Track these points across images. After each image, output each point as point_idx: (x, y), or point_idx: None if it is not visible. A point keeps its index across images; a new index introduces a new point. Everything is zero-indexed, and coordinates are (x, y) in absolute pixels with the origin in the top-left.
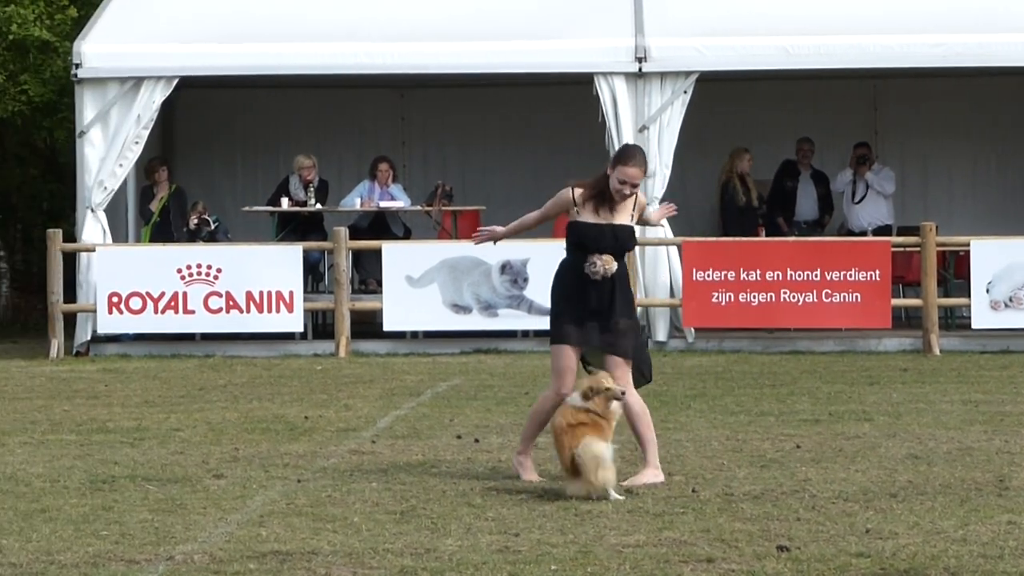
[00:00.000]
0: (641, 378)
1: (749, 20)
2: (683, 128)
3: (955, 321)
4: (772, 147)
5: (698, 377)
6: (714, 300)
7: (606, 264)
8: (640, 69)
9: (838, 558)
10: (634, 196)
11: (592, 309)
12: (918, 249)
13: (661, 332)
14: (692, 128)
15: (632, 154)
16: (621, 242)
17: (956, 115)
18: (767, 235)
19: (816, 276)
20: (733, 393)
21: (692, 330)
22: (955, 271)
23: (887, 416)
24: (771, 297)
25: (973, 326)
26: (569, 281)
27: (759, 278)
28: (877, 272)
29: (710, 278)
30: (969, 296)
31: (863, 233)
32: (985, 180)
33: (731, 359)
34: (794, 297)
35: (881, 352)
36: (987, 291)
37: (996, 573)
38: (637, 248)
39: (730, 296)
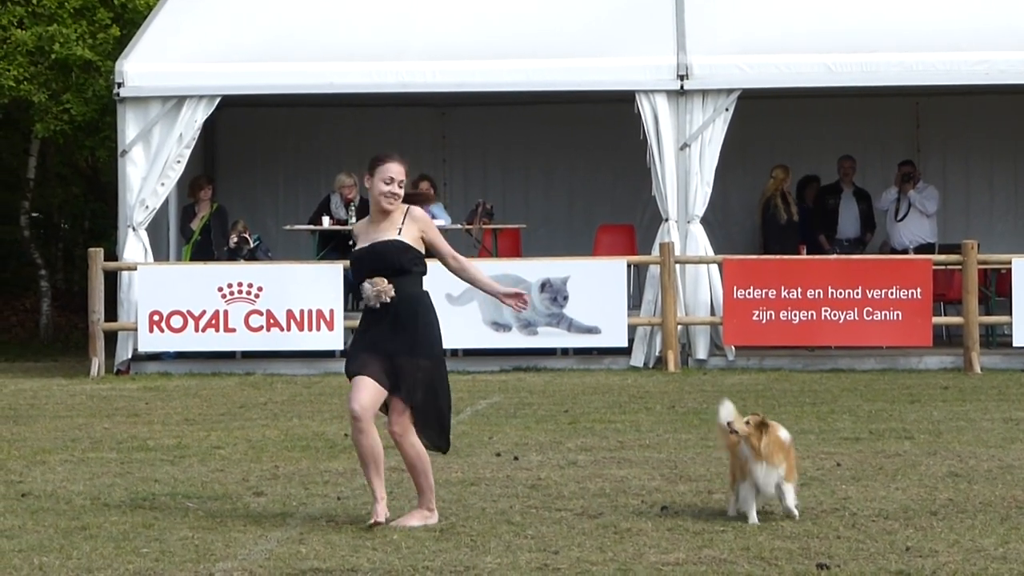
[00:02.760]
0: (431, 442)
1: (791, 37)
2: (724, 145)
3: (996, 339)
4: (814, 164)
5: (739, 395)
6: (755, 318)
7: (377, 286)
8: (682, 87)
9: (877, 575)
10: (403, 212)
11: (374, 341)
12: (960, 267)
13: (702, 350)
14: (734, 145)
15: (384, 154)
16: (383, 258)
17: (998, 132)
18: (808, 253)
19: (857, 294)
20: (774, 411)
21: (733, 348)
22: (996, 289)
23: (927, 434)
24: (812, 315)
25: (1014, 344)
26: (363, 314)
27: (800, 296)
28: (919, 290)
29: (751, 296)
30: (1011, 314)
31: (905, 251)
32: None
33: (772, 377)
34: (835, 315)
35: (922, 370)
36: None
37: None
38: (678, 266)
39: (771, 314)
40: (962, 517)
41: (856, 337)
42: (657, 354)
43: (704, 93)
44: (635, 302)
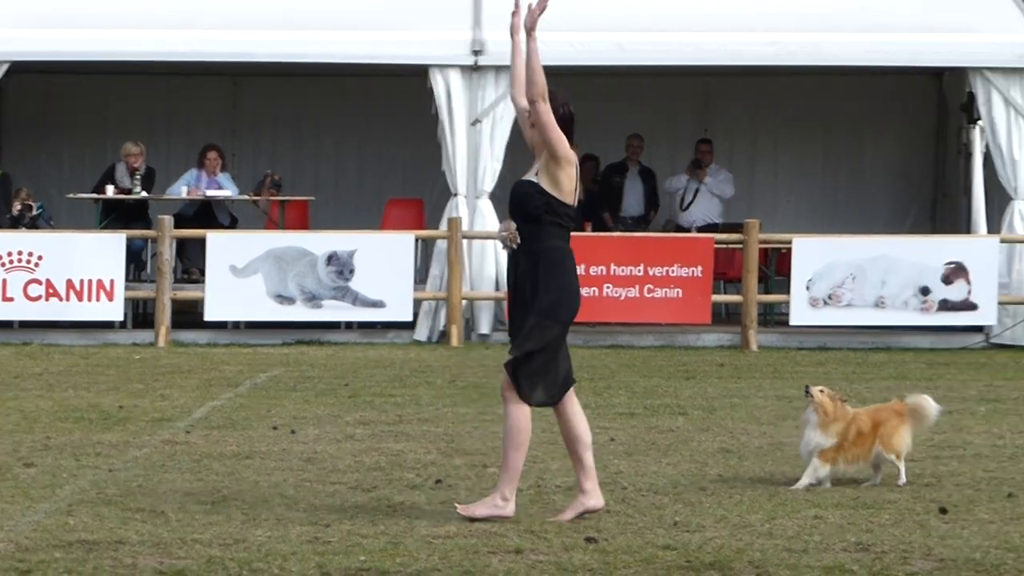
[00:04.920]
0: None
1: (585, 16)
2: (516, 122)
3: (774, 318)
4: (603, 142)
5: None
6: None
7: (505, 230)
8: (476, 62)
9: (645, 550)
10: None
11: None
12: (741, 246)
13: (485, 325)
14: None
15: None
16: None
17: (786, 114)
18: (592, 230)
19: (639, 271)
20: None
21: None
22: (776, 268)
23: (701, 410)
24: (594, 292)
25: (791, 323)
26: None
27: (583, 272)
28: (699, 268)
29: None
30: (789, 293)
31: (690, 230)
32: (811, 179)
33: None
34: (617, 292)
35: (700, 347)
36: (807, 288)
37: (800, 567)
38: (465, 242)
39: None
40: (731, 493)
41: (637, 314)
42: (441, 329)
43: (497, 69)
44: (421, 276)
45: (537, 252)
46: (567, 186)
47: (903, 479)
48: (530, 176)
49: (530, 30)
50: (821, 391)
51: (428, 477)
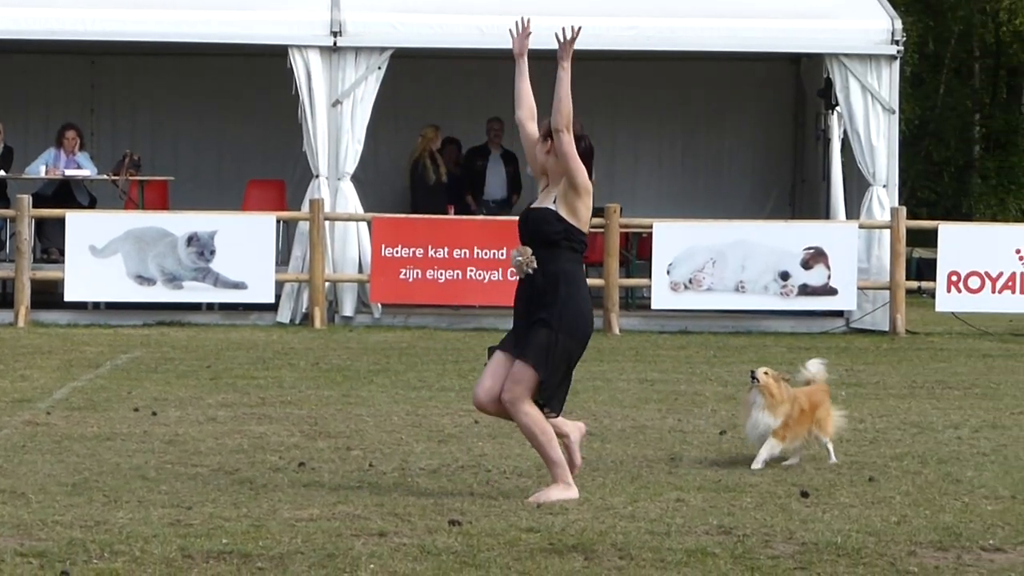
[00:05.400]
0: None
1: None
2: (377, 104)
3: (635, 301)
4: (464, 125)
5: (383, 352)
6: (402, 276)
7: (521, 255)
8: (335, 43)
9: (508, 532)
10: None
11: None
12: (602, 230)
13: (348, 307)
14: (385, 104)
15: None
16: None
17: (646, 99)
18: (456, 213)
19: (502, 254)
20: (416, 369)
21: (379, 306)
22: (637, 252)
23: None
24: (458, 274)
25: (653, 307)
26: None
27: (447, 255)
28: None
29: (399, 254)
30: (650, 277)
31: None
32: (671, 164)
33: (416, 335)
34: (480, 275)
35: None
36: (668, 273)
37: (662, 549)
38: (327, 223)
39: (418, 273)
40: (594, 476)
41: (500, 297)
42: (304, 311)
43: (357, 50)
44: (283, 258)
45: (556, 273)
46: (584, 215)
47: (834, 458)
48: (547, 204)
49: (519, 55)
50: (765, 373)
51: (291, 460)
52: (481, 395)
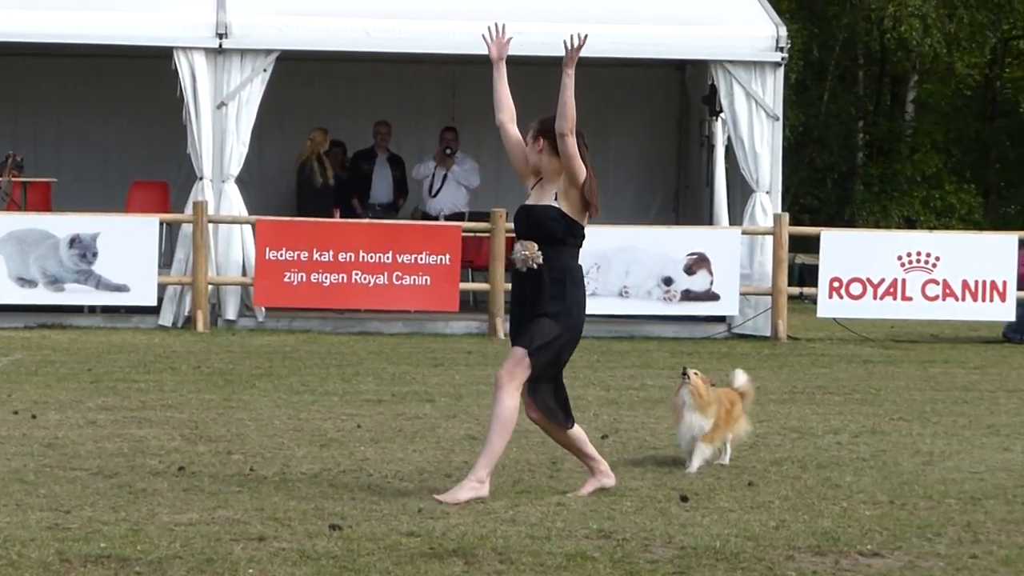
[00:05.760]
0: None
1: (332, 1)
2: (262, 106)
3: None
4: (351, 128)
5: (266, 356)
6: (286, 280)
7: (527, 250)
8: (220, 45)
9: (389, 537)
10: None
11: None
12: (488, 235)
13: (232, 311)
14: (271, 106)
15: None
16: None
17: (531, 103)
18: (341, 216)
19: (388, 259)
20: (299, 373)
21: (263, 309)
22: None
23: (448, 397)
24: (343, 278)
25: None
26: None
27: (332, 259)
28: (447, 256)
29: (283, 257)
30: None
31: (437, 218)
32: None
33: (300, 339)
34: (365, 279)
35: (448, 335)
36: None
37: (542, 553)
38: (211, 226)
39: (302, 276)
40: None
41: (385, 301)
42: (186, 314)
43: (242, 52)
44: (166, 260)
45: (562, 270)
46: (583, 209)
47: (727, 460)
48: (547, 201)
49: (498, 59)
50: (695, 374)
51: (171, 464)
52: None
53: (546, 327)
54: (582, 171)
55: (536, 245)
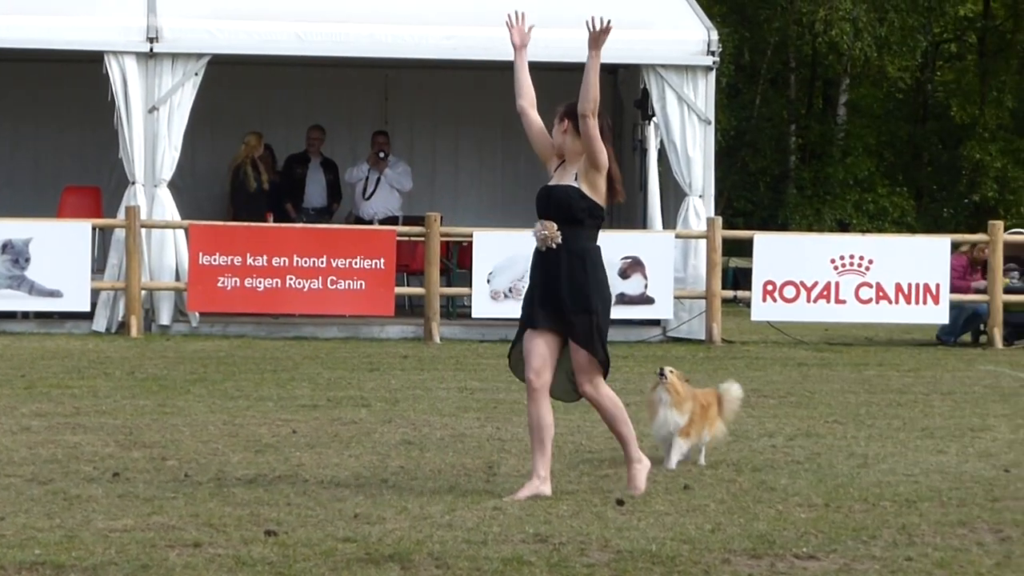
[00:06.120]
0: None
1: (264, 4)
2: (195, 110)
3: (456, 310)
4: (284, 133)
5: (200, 362)
6: (220, 284)
7: (547, 229)
8: (151, 49)
9: (325, 543)
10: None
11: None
12: (423, 239)
13: (165, 316)
14: (204, 110)
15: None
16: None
17: (465, 107)
18: (275, 221)
19: (322, 263)
20: (234, 378)
21: (197, 314)
22: (458, 261)
23: (384, 402)
24: (277, 283)
25: (473, 315)
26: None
27: (266, 264)
28: (382, 260)
29: (217, 262)
30: (471, 286)
31: (371, 222)
32: (491, 173)
33: (235, 344)
34: (300, 283)
35: (384, 339)
36: (488, 281)
37: (479, 558)
38: (144, 231)
39: (236, 281)
40: (412, 485)
41: (320, 305)
42: (120, 319)
43: (174, 56)
44: (99, 266)
45: (583, 252)
46: (603, 191)
47: (703, 460)
48: (568, 181)
49: (520, 46)
50: (671, 372)
51: (106, 470)
52: (533, 378)
53: (586, 325)
54: (602, 152)
55: (555, 225)
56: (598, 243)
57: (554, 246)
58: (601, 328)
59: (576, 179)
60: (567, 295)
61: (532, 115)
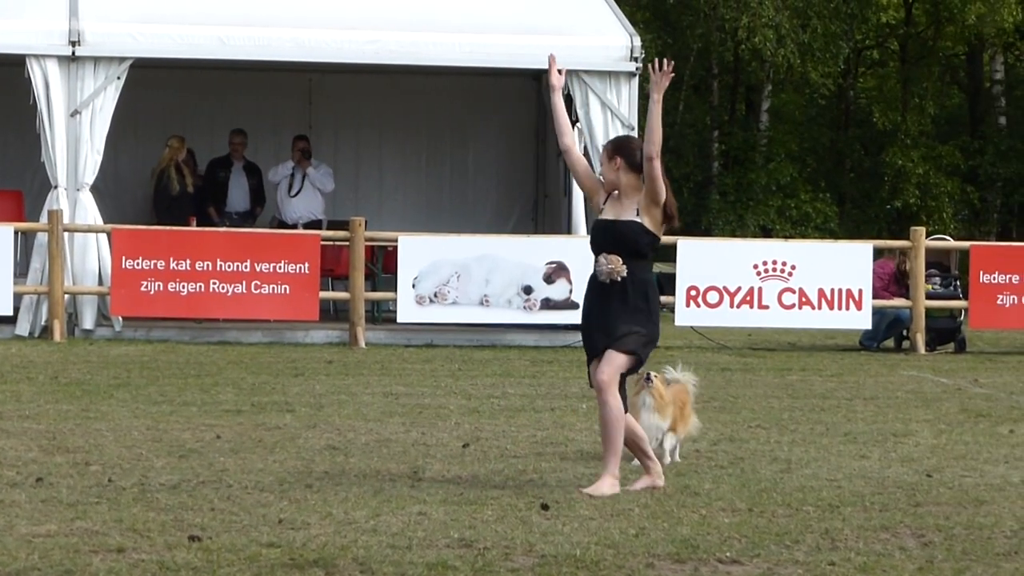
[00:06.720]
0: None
1: (186, 8)
2: (117, 114)
3: (381, 315)
4: (207, 137)
5: (123, 366)
6: (143, 289)
7: (612, 263)
8: (74, 53)
9: (249, 548)
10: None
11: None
12: (347, 243)
13: (88, 320)
14: (126, 114)
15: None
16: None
17: (389, 112)
18: (198, 225)
19: (246, 267)
20: (158, 383)
21: (120, 319)
22: (383, 266)
23: (309, 407)
24: (201, 287)
25: (398, 320)
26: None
27: (189, 268)
28: (307, 265)
29: (140, 266)
30: (396, 290)
31: (295, 226)
32: (415, 177)
33: (158, 348)
34: (224, 288)
35: (308, 344)
36: (413, 286)
37: (404, 563)
38: (66, 235)
39: (160, 285)
40: (337, 490)
41: (244, 310)
42: (43, 323)
43: (96, 60)
44: (22, 270)
45: (644, 283)
46: (660, 220)
47: (677, 458)
48: (629, 216)
49: (557, 87)
50: (656, 376)
51: (28, 475)
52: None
53: (635, 339)
54: (663, 191)
55: (620, 259)
56: (653, 272)
57: (619, 279)
58: (644, 342)
59: (638, 214)
60: (626, 318)
61: (576, 153)
